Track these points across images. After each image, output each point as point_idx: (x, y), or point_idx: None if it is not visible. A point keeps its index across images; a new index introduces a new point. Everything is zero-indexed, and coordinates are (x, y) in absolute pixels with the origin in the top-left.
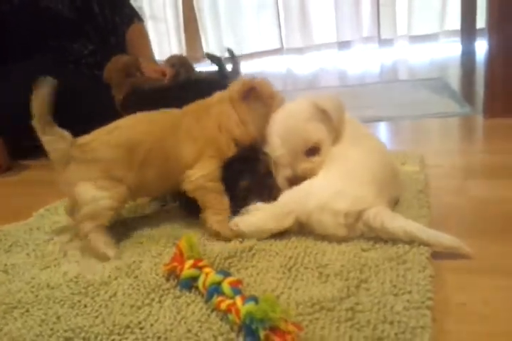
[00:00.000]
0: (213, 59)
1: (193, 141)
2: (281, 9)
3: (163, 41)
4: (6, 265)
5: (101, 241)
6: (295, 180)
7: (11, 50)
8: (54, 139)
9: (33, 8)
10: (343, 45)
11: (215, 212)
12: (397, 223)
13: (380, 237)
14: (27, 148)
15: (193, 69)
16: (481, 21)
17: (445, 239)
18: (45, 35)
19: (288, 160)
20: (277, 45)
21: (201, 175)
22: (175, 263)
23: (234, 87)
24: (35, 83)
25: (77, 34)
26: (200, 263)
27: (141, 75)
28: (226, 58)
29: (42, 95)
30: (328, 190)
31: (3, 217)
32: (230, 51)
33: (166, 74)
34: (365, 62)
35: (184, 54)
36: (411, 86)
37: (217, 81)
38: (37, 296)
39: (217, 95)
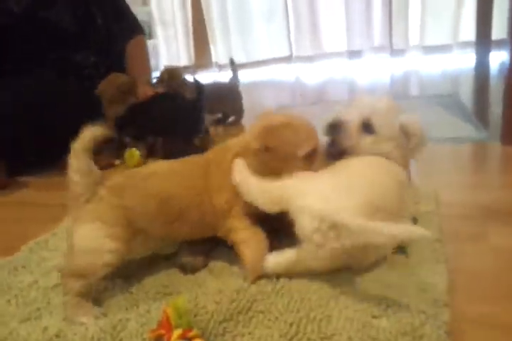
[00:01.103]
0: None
1: (220, 192)
2: (291, 17)
3: (172, 47)
4: None
5: (81, 309)
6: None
7: (12, 62)
8: (83, 172)
9: (32, 20)
10: (354, 54)
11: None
12: (357, 221)
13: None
14: (27, 164)
15: (184, 83)
16: (496, 33)
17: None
18: (46, 46)
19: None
20: (286, 53)
21: (237, 227)
22: (162, 331)
23: (254, 132)
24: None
25: (80, 45)
26: (190, 334)
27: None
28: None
29: (92, 134)
30: (318, 193)
31: None
32: (231, 60)
33: None
34: (375, 72)
35: (192, 61)
36: (423, 103)
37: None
38: None
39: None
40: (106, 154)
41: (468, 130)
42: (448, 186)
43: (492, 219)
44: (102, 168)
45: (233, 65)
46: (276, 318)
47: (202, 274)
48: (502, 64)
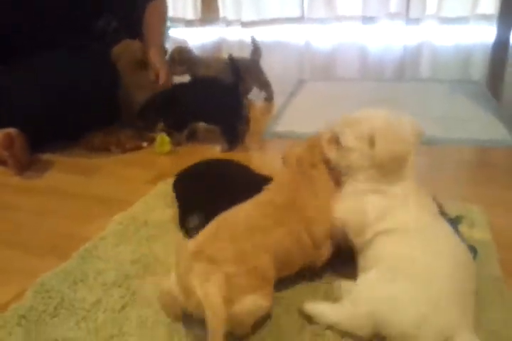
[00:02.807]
0: (232, 62)
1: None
2: None
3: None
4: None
5: None
6: None
7: (35, 34)
8: None
9: None
10: (368, 19)
11: None
12: None
13: None
14: (48, 140)
15: (194, 61)
16: None
17: None
18: (72, 12)
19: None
20: (298, 14)
21: None
22: None
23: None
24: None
25: (102, 8)
26: None
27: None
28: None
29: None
30: (412, 311)
31: (34, 249)
32: (252, 39)
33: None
34: (388, 39)
35: (199, 15)
36: (446, 89)
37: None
38: None
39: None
40: (130, 135)
41: (499, 130)
42: (489, 200)
43: None
44: (129, 150)
45: (255, 42)
46: None
47: None
48: None
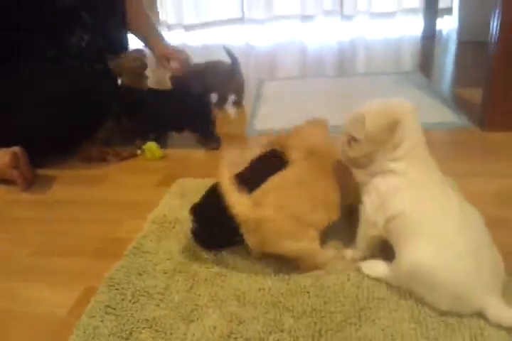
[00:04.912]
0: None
1: None
2: None
3: None
4: (148, 320)
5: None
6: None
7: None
8: None
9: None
10: (306, 17)
11: None
12: None
13: None
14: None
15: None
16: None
17: None
18: (47, 29)
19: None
20: (239, 15)
21: None
22: None
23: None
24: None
25: (74, 23)
26: None
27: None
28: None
29: None
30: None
31: (79, 254)
32: (226, 49)
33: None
34: (326, 36)
35: None
36: (393, 80)
37: None
38: None
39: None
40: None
41: (447, 114)
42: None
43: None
44: (125, 159)
45: (230, 53)
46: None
47: None
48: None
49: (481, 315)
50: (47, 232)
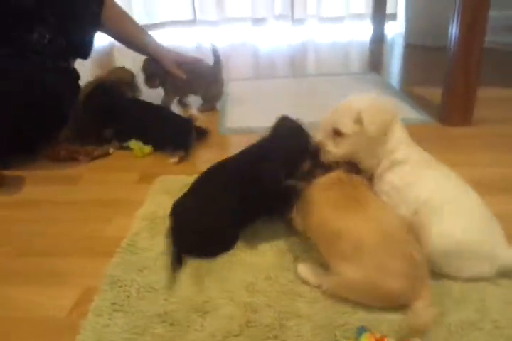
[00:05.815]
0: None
1: None
2: None
3: None
4: (160, 315)
5: None
6: None
7: None
8: None
9: None
10: (257, 21)
11: None
12: None
13: None
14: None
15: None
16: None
17: None
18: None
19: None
20: (190, 17)
21: None
22: None
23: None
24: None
25: (34, 22)
26: None
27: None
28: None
29: None
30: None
31: (71, 254)
32: (213, 49)
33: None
34: (277, 39)
35: None
36: (351, 80)
37: None
38: None
39: None
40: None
41: (408, 110)
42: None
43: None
44: (96, 158)
45: (216, 53)
46: None
47: None
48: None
49: None
50: (24, 232)
